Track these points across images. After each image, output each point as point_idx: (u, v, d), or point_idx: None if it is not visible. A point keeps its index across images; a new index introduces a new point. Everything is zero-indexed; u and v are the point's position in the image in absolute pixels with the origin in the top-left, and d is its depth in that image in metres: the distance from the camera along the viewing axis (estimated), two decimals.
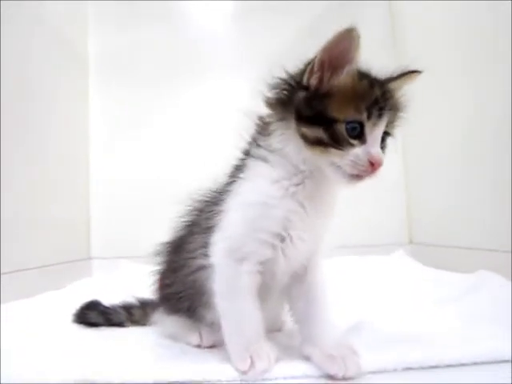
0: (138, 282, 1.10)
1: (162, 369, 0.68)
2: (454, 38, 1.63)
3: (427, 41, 1.84)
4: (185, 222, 0.85)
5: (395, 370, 0.66)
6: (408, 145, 2.07)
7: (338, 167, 0.67)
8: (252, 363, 0.66)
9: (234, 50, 2.16)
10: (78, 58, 2.05)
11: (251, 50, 2.14)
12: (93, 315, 1.03)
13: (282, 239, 0.70)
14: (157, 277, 0.92)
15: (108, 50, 2.13)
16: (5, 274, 1.33)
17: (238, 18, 2.21)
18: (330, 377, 0.65)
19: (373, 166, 0.65)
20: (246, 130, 0.78)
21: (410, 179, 2.06)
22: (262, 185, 0.70)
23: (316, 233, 0.73)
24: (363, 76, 0.69)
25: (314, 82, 0.68)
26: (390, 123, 0.70)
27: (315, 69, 0.67)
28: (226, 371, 0.67)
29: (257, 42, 2.14)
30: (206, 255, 0.73)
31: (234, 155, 0.79)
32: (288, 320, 0.91)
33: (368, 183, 0.68)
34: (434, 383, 0.64)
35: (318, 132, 0.66)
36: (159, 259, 0.90)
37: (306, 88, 0.68)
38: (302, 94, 0.68)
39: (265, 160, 0.72)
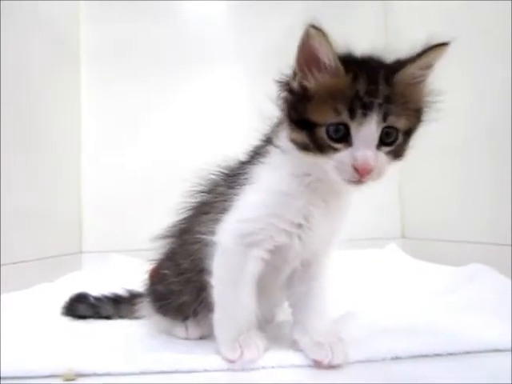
0: (129, 275, 1.09)
1: (148, 359, 0.67)
2: (454, 34, 1.62)
3: (421, 41, 1.83)
4: (193, 203, 0.81)
5: (383, 360, 0.66)
6: None
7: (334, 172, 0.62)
8: (241, 353, 0.65)
9: (229, 46, 2.14)
10: (70, 53, 2.02)
11: (246, 46, 2.13)
12: (82, 308, 1.02)
13: (300, 227, 0.68)
14: (152, 266, 0.90)
15: (101, 43, 2.10)
16: None
17: (233, 14, 2.19)
18: (316, 363, 0.65)
19: (358, 171, 0.59)
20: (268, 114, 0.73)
21: (403, 173, 2.06)
22: (284, 176, 0.68)
23: (333, 225, 0.71)
24: (351, 70, 0.62)
25: (294, 84, 0.65)
26: (397, 115, 0.62)
27: (296, 71, 0.65)
28: (212, 360, 0.66)
29: (252, 38, 2.13)
30: (213, 233, 0.70)
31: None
32: (278, 312, 0.91)
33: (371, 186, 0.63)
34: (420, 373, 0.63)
35: (302, 137, 0.63)
36: (160, 245, 0.86)
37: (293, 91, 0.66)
38: (289, 98, 0.66)
39: (285, 152, 0.68)
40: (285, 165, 0.68)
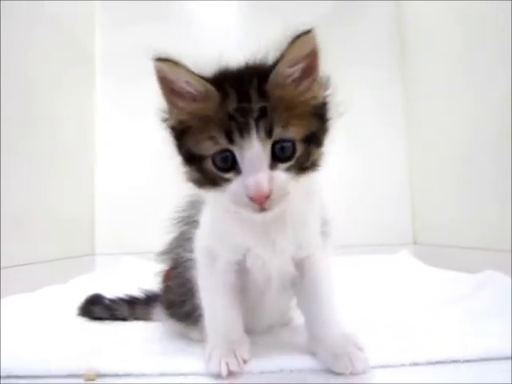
0: (141, 278, 1.09)
1: (167, 361, 0.68)
2: (461, 38, 1.62)
3: (433, 41, 1.84)
4: (185, 217, 0.81)
5: (403, 365, 0.66)
6: (413, 147, 2.07)
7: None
8: (221, 363, 0.64)
9: (240, 49, 2.15)
10: (85, 56, 2.06)
11: (256, 49, 2.13)
12: (97, 309, 1.02)
13: (247, 250, 0.66)
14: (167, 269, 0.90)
15: (114, 47, 2.14)
16: (9, 267, 1.33)
17: (243, 18, 2.22)
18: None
19: (254, 200, 0.54)
20: None
21: (415, 180, 2.06)
22: (219, 211, 0.65)
23: (285, 246, 0.65)
24: (221, 89, 0.57)
25: (171, 120, 0.61)
26: (283, 126, 0.55)
27: (168, 107, 0.61)
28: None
29: (262, 41, 2.14)
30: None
31: None
32: (296, 316, 0.90)
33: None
34: (440, 380, 0.63)
35: (192, 173, 0.59)
36: (164, 256, 0.87)
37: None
38: (172, 134, 0.61)
39: None
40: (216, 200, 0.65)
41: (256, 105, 0.54)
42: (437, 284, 1.32)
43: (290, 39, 0.55)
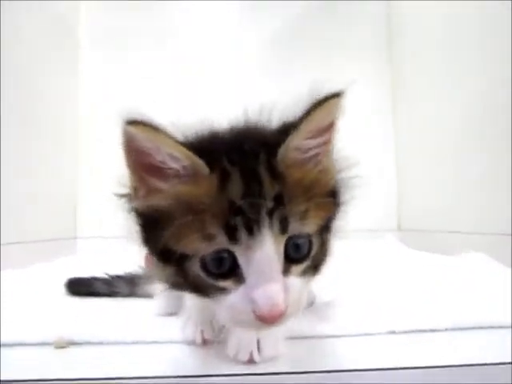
0: (125, 261, 1.07)
1: (142, 330, 0.67)
2: (450, 37, 1.62)
3: (423, 40, 1.84)
4: None
5: (379, 334, 0.65)
6: (399, 131, 2.07)
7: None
8: (196, 331, 0.62)
9: (234, 46, 2.13)
10: (70, 35, 2.01)
11: (250, 45, 2.12)
12: (98, 285, 0.97)
13: None
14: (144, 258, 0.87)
15: (101, 27, 2.10)
16: None
17: (237, 11, 2.17)
18: None
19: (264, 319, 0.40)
20: None
21: (401, 165, 2.06)
22: None
23: None
24: (216, 165, 0.42)
25: (139, 203, 0.45)
26: (301, 217, 0.42)
27: (135, 186, 0.46)
28: None
29: (256, 38, 2.12)
30: None
31: None
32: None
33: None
34: (417, 349, 0.62)
35: (170, 274, 0.45)
36: None
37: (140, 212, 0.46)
38: (139, 221, 0.47)
39: None
40: None
41: (270, 191, 0.41)
42: (421, 266, 1.32)
43: (312, 102, 0.42)
